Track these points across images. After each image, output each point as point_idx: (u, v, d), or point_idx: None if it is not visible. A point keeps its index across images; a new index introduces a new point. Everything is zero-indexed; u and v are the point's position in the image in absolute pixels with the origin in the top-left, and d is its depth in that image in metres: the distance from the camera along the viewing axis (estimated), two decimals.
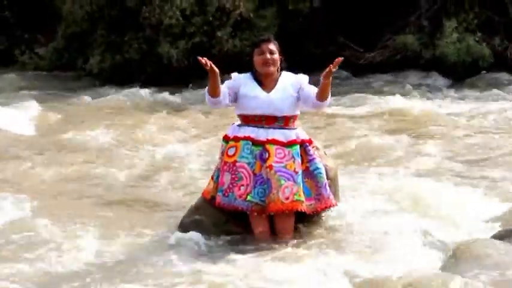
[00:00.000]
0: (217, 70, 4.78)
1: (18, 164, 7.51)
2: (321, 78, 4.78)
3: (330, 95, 4.91)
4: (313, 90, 4.93)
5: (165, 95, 12.25)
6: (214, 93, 4.88)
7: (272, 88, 4.97)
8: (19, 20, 16.48)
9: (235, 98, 5.01)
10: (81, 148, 8.19)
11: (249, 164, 4.87)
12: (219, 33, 13.27)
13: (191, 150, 7.98)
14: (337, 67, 4.71)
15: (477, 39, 13.09)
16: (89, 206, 6.03)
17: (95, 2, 13.59)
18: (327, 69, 4.72)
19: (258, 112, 4.93)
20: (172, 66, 13.24)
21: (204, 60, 4.72)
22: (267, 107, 4.91)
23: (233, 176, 4.87)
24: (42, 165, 7.39)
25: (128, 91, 12.42)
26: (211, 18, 13.31)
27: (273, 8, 13.77)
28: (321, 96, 4.87)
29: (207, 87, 4.93)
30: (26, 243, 4.90)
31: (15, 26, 16.54)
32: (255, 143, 4.90)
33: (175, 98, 12.09)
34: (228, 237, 4.96)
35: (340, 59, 4.73)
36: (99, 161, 7.58)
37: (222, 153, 5.00)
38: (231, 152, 4.92)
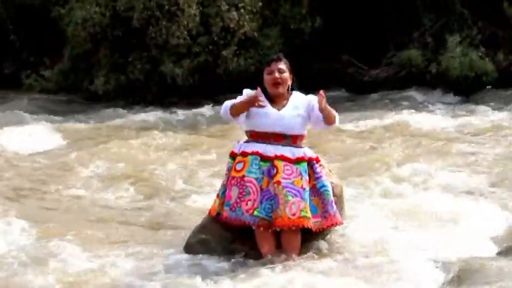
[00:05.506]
0: None
1: (23, 186, 7.52)
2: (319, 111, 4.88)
3: (336, 116, 4.98)
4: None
5: (170, 114, 12.27)
6: (238, 114, 4.97)
7: (283, 106, 5.01)
8: (25, 43, 16.57)
9: (246, 114, 5.03)
10: (86, 169, 8.18)
11: (256, 179, 4.88)
12: (224, 53, 13.32)
13: (197, 169, 7.98)
14: (324, 101, 4.80)
15: (481, 54, 13.08)
16: (94, 227, 6.01)
17: (97, 24, 13.66)
18: (319, 105, 4.81)
19: (268, 129, 4.96)
20: (177, 85, 13.29)
21: (258, 94, 4.84)
22: (277, 124, 4.94)
23: (241, 191, 4.87)
24: (47, 187, 7.40)
25: (133, 111, 12.46)
26: (216, 38, 13.38)
27: (277, 26, 13.84)
28: (328, 122, 4.98)
29: (230, 103, 4.97)
30: (31, 263, 4.92)
31: (21, 49, 16.63)
32: (263, 158, 4.91)
33: (181, 117, 12.10)
34: (234, 256, 4.94)
35: (323, 92, 4.83)
36: (104, 182, 7.57)
37: (229, 170, 5.00)
38: (239, 167, 4.93)
